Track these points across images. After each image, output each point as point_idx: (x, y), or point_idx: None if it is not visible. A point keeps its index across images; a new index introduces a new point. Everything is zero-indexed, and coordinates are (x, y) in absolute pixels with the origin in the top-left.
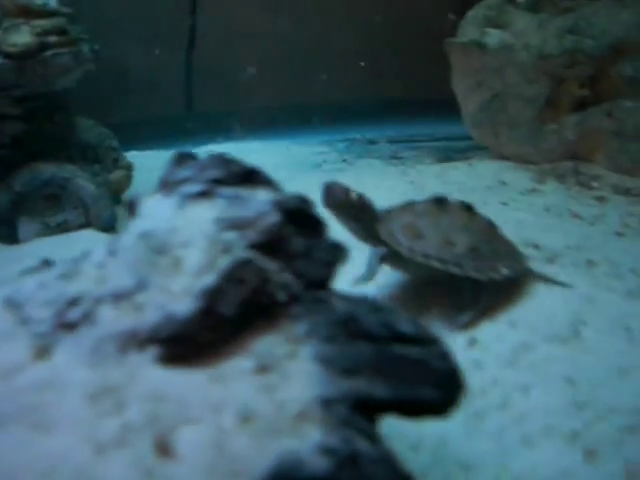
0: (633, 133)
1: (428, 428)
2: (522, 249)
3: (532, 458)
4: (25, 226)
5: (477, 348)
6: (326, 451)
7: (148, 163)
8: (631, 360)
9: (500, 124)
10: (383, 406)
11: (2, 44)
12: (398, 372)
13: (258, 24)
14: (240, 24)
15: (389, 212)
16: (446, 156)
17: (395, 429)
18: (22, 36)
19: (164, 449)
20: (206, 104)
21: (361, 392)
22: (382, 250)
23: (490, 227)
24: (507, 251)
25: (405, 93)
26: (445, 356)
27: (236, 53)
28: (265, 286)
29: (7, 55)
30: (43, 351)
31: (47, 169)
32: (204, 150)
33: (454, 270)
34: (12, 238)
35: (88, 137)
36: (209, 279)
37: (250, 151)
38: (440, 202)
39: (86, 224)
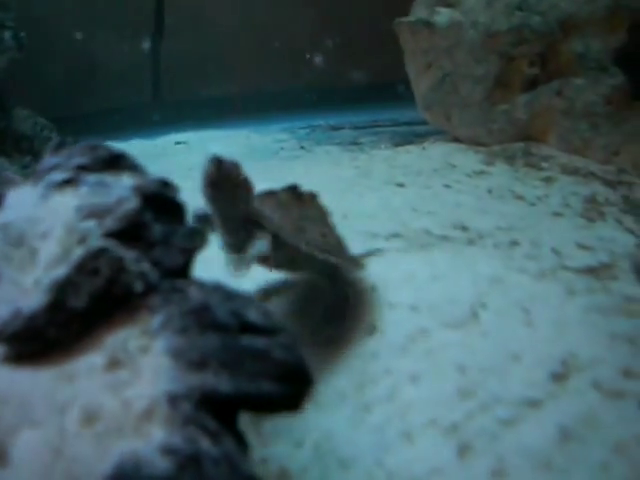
0: (583, 112)
1: (314, 422)
2: (449, 231)
3: (409, 453)
4: None
5: (374, 335)
6: (168, 451)
7: None
8: (525, 345)
9: (451, 105)
10: (229, 402)
11: None
12: (243, 365)
13: (223, 12)
14: (205, 12)
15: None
16: (405, 140)
17: (282, 425)
18: None
19: None
20: (172, 93)
21: (207, 387)
22: (266, 241)
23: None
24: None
25: (371, 78)
26: (289, 347)
27: (201, 41)
28: (121, 276)
29: None
30: None
31: None
32: (167, 139)
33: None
34: None
35: (23, 128)
36: (60, 271)
37: (211, 140)
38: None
39: None
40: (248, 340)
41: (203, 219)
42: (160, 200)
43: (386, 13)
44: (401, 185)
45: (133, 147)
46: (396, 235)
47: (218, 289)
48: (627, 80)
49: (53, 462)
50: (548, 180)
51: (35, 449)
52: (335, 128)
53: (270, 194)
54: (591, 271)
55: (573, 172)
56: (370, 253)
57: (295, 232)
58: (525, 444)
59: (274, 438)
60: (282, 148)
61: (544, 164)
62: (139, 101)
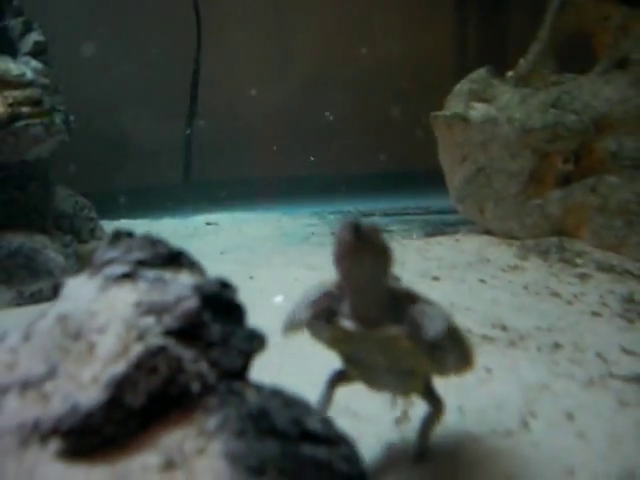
0: (617, 209)
1: None
2: (489, 330)
3: None
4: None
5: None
6: None
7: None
8: (579, 459)
9: (485, 199)
10: None
11: None
12: (303, 474)
13: (256, 97)
14: (239, 97)
15: None
16: (436, 230)
17: None
18: None
19: None
20: (204, 174)
21: None
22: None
23: None
24: None
25: (403, 166)
26: (351, 458)
27: (234, 125)
28: (178, 376)
29: None
30: None
31: (15, 239)
32: (198, 220)
33: None
34: None
35: (64, 207)
36: (119, 368)
37: (242, 221)
38: None
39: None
40: (308, 449)
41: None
42: (219, 301)
43: (419, 102)
44: (436, 278)
45: (164, 226)
46: None
47: (277, 394)
48: None
49: None
50: (583, 277)
51: None
52: (365, 214)
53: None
54: None
55: (608, 269)
56: None
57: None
58: None
59: None
60: (313, 233)
61: (578, 260)
62: (171, 181)
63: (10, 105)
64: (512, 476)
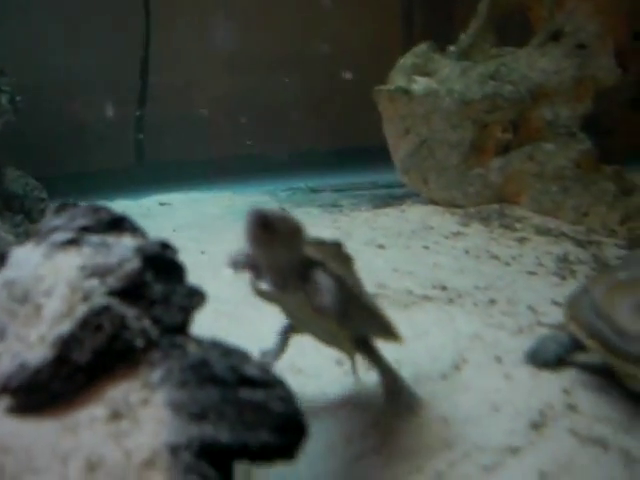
0: (553, 175)
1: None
2: (429, 291)
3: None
4: None
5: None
6: None
7: None
8: (504, 398)
9: (428, 170)
10: (228, 451)
11: None
12: (242, 416)
13: (208, 78)
14: (191, 77)
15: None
16: (383, 203)
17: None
18: None
19: None
20: (157, 156)
21: (207, 438)
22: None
23: None
24: None
25: (353, 143)
26: (286, 399)
27: (187, 107)
28: (122, 332)
29: None
30: None
31: None
32: (151, 200)
33: None
34: None
35: (14, 188)
36: (65, 327)
37: (195, 201)
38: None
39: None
40: (246, 393)
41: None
42: (160, 261)
43: (367, 80)
44: (382, 247)
45: (117, 207)
46: (379, 294)
47: (216, 345)
48: (594, 145)
49: None
50: (522, 240)
51: None
52: (315, 190)
53: (322, 244)
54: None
55: (545, 232)
56: None
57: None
58: None
59: None
60: None
61: (518, 225)
62: (124, 163)
63: None
64: (447, 416)
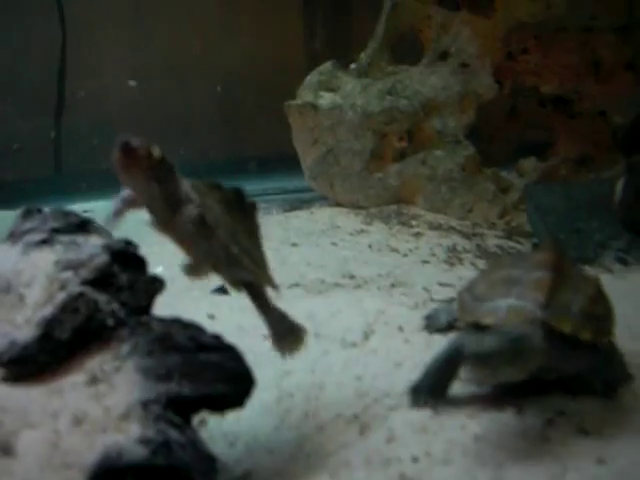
0: (443, 178)
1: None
2: (340, 280)
3: (321, 438)
4: None
5: (289, 360)
6: (144, 441)
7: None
8: (404, 357)
9: (334, 175)
10: (191, 402)
11: None
12: (201, 375)
13: (123, 89)
14: (106, 89)
15: None
16: (293, 206)
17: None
18: None
19: (5, 449)
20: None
21: (172, 393)
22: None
23: None
24: None
25: (261, 151)
26: (237, 358)
27: (105, 116)
28: (96, 314)
29: None
30: None
31: None
32: (73, 208)
33: None
34: None
35: None
36: (47, 310)
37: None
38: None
39: None
40: (204, 356)
41: None
42: (125, 255)
43: (274, 93)
44: (295, 244)
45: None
46: (296, 284)
47: (177, 321)
48: (477, 151)
49: (51, 453)
50: (417, 235)
51: (35, 444)
52: None
53: (215, 187)
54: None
55: (437, 227)
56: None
57: (230, 232)
58: (408, 419)
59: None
60: None
61: (413, 222)
62: (43, 172)
63: None
64: (359, 374)
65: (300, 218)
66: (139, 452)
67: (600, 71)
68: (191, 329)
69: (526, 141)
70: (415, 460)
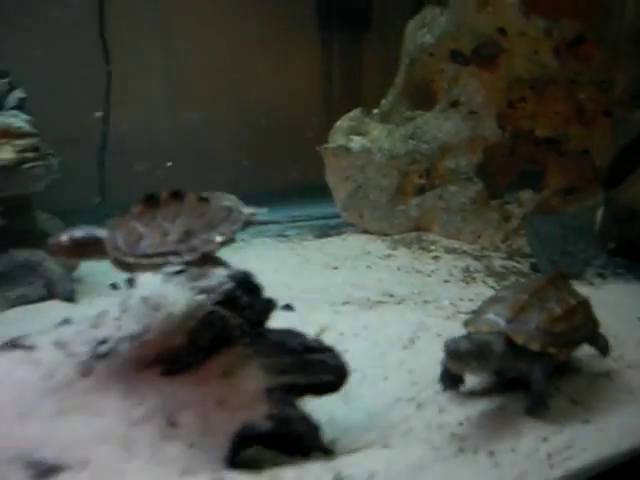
0: (456, 209)
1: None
2: (381, 297)
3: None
4: (4, 296)
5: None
6: (270, 417)
7: None
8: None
9: (363, 207)
10: (303, 389)
11: None
12: (310, 369)
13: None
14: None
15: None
16: (323, 232)
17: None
18: (6, 153)
19: (172, 422)
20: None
21: (289, 382)
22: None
23: (200, 203)
24: (222, 216)
25: (286, 183)
26: (336, 357)
27: (142, 150)
28: (226, 327)
29: None
30: (86, 372)
31: (21, 254)
32: None
33: (173, 260)
34: None
35: (47, 227)
36: (191, 323)
37: None
38: (150, 199)
39: (49, 297)
40: (311, 356)
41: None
42: (246, 282)
43: (294, 128)
44: (336, 268)
45: None
46: (348, 302)
47: (288, 331)
48: (484, 186)
49: (204, 425)
50: (436, 258)
51: (193, 419)
52: (261, 223)
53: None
54: None
55: (452, 251)
56: (337, 311)
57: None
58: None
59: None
60: None
61: (432, 247)
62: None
63: (18, 152)
64: (412, 369)
65: (334, 244)
66: (267, 425)
67: (584, 117)
68: (299, 336)
69: (523, 172)
70: (460, 424)
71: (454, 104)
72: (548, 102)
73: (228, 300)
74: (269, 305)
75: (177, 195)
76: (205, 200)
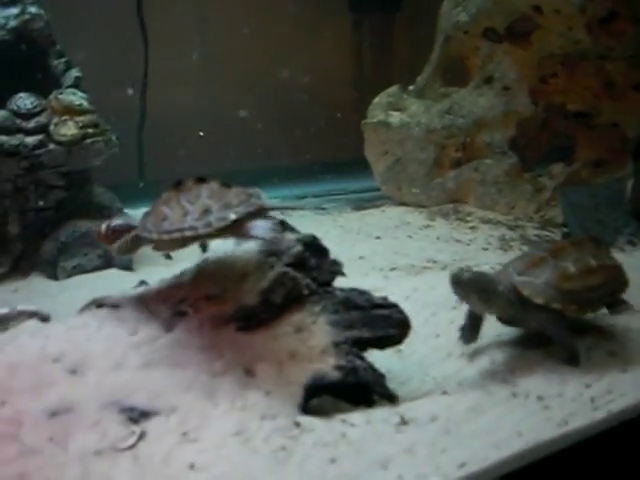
0: (491, 181)
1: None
2: (426, 264)
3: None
4: (61, 267)
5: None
6: (338, 368)
7: None
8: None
9: (402, 180)
10: (369, 342)
11: (55, 135)
12: (375, 323)
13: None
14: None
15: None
16: (359, 205)
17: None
18: (69, 129)
19: (249, 372)
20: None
21: (355, 336)
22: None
23: (221, 186)
24: (240, 199)
25: (321, 157)
26: (401, 312)
27: (179, 126)
28: (296, 286)
29: (58, 143)
30: (168, 329)
31: (84, 225)
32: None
33: (189, 233)
34: (54, 276)
35: (103, 200)
36: (264, 283)
37: None
38: (178, 184)
39: (105, 266)
40: (377, 311)
41: None
42: (313, 245)
43: (326, 105)
44: (378, 237)
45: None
46: (394, 268)
47: (354, 290)
48: (518, 159)
49: (278, 375)
50: (473, 228)
51: (268, 370)
52: (300, 197)
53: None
54: None
55: (488, 222)
56: (386, 277)
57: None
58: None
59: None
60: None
61: (468, 218)
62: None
63: (80, 127)
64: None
65: (374, 216)
66: (336, 375)
67: (613, 91)
68: (365, 294)
69: (554, 146)
70: (511, 372)
71: (488, 80)
72: (579, 77)
73: (297, 262)
74: (336, 266)
75: (201, 180)
76: (227, 185)
